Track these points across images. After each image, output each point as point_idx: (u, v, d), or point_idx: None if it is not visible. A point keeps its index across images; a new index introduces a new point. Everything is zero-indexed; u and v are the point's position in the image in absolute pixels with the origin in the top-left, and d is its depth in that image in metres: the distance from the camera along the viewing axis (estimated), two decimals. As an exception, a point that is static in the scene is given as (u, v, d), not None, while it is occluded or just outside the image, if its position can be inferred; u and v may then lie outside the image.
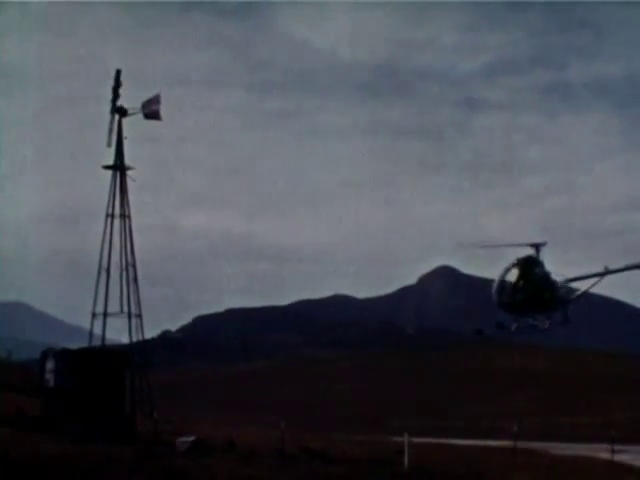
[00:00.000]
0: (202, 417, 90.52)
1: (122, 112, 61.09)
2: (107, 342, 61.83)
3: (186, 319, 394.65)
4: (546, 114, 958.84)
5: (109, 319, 59.93)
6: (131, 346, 59.66)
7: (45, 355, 42.99)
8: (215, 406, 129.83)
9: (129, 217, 61.25)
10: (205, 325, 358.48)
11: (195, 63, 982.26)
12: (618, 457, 48.75)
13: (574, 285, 45.71)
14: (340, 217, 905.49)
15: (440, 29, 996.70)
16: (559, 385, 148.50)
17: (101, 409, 41.10)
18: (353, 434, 77.45)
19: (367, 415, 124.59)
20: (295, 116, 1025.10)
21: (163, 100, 61.14)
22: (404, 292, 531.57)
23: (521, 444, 50.85)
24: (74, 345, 61.05)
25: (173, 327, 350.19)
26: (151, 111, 61.21)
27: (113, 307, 60.71)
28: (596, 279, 44.71)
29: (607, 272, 44.58)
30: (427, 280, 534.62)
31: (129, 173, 61.08)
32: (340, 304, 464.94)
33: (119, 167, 61.06)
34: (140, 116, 61.72)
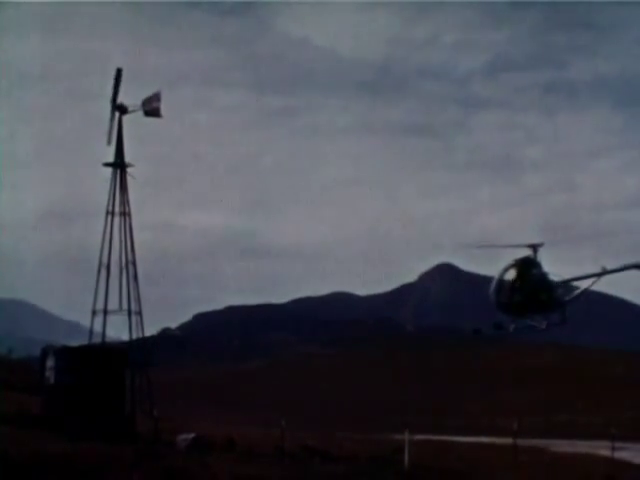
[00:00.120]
0: (202, 415, 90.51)
1: (122, 110, 61.03)
2: (107, 339, 61.82)
3: (186, 316, 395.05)
4: (546, 112, 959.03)
5: (109, 316, 59.92)
6: (131, 343, 59.65)
7: (45, 353, 42.99)
8: (215, 404, 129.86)
9: (129, 215, 61.23)
10: (205, 323, 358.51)
11: (195, 61, 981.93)
12: (618, 454, 48.76)
13: (573, 284, 45.74)
14: (340, 215, 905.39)
15: (440, 27, 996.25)
16: (559, 383, 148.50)
17: (101, 407, 41.09)
18: (353, 432, 77.45)
19: (367, 413, 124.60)
20: (295, 114, 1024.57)
21: (163, 98, 61.19)
22: (404, 290, 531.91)
23: (521, 442, 50.82)
24: (74, 342, 61.04)
25: (173, 324, 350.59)
26: (151, 109, 61.18)
27: (113, 304, 60.71)
28: (593, 279, 44.77)
29: (604, 272, 44.65)
30: (427, 278, 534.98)
31: (129, 171, 61.03)
32: (340, 302, 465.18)
33: (119, 165, 61.00)
34: (140, 114, 61.68)
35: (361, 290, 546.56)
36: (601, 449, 52.89)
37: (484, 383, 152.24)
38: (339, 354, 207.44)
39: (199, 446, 40.03)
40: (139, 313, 61.08)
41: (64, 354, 42.82)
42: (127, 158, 61.51)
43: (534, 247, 43.51)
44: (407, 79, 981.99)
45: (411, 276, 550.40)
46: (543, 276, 43.62)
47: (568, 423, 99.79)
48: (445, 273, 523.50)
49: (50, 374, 42.03)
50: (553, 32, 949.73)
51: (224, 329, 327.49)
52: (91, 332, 60.12)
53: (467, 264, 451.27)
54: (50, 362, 42.15)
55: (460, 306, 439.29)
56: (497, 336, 46.58)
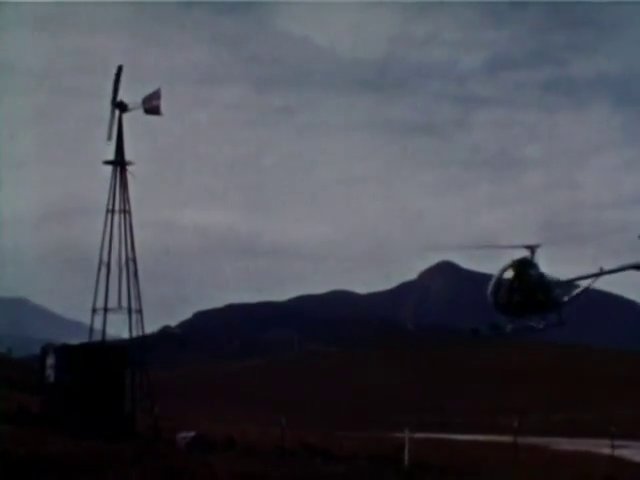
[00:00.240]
0: (202, 413, 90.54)
1: (122, 107, 60.89)
2: (107, 338, 61.73)
3: (186, 315, 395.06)
4: (546, 111, 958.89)
5: (109, 315, 59.80)
6: (131, 341, 59.55)
7: (45, 351, 42.96)
8: (215, 402, 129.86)
9: (129, 213, 61.10)
10: (205, 321, 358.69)
11: (196, 59, 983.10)
12: (618, 452, 48.76)
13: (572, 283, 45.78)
14: (340, 213, 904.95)
15: (440, 26, 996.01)
16: (560, 381, 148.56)
17: (101, 405, 41.07)
18: (353, 430, 77.46)
19: (367, 411, 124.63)
20: (295, 112, 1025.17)
21: (164, 96, 61.05)
22: (404, 288, 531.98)
23: (522, 440, 50.82)
24: (74, 341, 60.97)
25: (173, 323, 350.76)
26: (151, 106, 60.97)
27: (113, 303, 60.59)
28: (591, 280, 44.82)
29: (602, 273, 44.71)
30: (427, 276, 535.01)
31: (129, 169, 60.90)
32: (340, 300, 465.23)
33: (119, 162, 60.87)
34: (140, 112, 61.56)
35: (361, 288, 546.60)
36: (601, 447, 52.90)
37: (484, 381, 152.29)
38: (339, 352, 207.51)
39: (199, 444, 40.00)
40: (139, 311, 60.95)
41: (64, 352, 42.80)
42: (127, 156, 61.40)
43: (531, 248, 43.59)
44: (407, 78, 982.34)
45: (411, 274, 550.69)
46: (540, 277, 43.68)
47: (568, 421, 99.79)
48: (445, 271, 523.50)
49: (50, 373, 42.01)
50: (553, 30, 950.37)
51: (224, 327, 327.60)
52: (91, 330, 60.00)
53: (467, 262, 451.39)
54: (50, 360, 42.14)
55: (460, 304, 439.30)
56: (496, 335, 46.49)
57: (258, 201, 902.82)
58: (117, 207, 60.90)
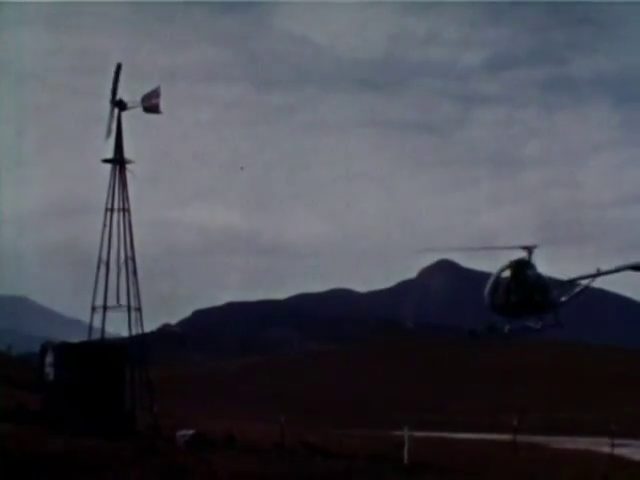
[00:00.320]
0: (201, 411, 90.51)
1: (122, 106, 60.89)
2: (107, 336, 61.79)
3: (186, 313, 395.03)
4: (546, 109, 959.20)
5: (108, 313, 59.85)
6: (131, 339, 59.57)
7: (45, 349, 42.91)
8: (214, 400, 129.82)
9: (129, 211, 61.11)
10: (204, 319, 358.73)
11: (195, 58, 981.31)
12: (618, 451, 48.75)
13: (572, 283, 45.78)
14: (340, 212, 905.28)
15: (440, 24, 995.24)
16: (560, 380, 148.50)
17: (101, 403, 41.04)
18: (353, 429, 77.43)
19: (367, 410, 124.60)
20: (295, 111, 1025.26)
21: (163, 94, 61.06)
22: (404, 286, 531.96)
23: (521, 438, 50.83)
24: (74, 339, 60.97)
25: (173, 321, 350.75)
26: (151, 105, 61.02)
27: (113, 301, 60.61)
28: (588, 281, 44.81)
29: (599, 274, 44.72)
30: (427, 274, 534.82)
31: (128, 167, 60.90)
32: (340, 298, 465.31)
33: (118, 161, 60.87)
34: (140, 110, 61.55)
35: (361, 287, 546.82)
36: (601, 446, 52.87)
37: (484, 380, 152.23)
38: (339, 351, 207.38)
39: (199, 442, 39.97)
40: (138, 309, 61.04)
41: (63, 350, 42.76)
42: (126, 154, 61.42)
43: (529, 249, 43.58)
44: (407, 76, 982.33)
45: (411, 273, 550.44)
46: (538, 278, 43.68)
47: (568, 420, 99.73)
48: (445, 269, 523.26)
49: (49, 370, 41.97)
50: (553, 29, 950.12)
51: (224, 326, 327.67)
52: (90, 328, 60.05)
53: (467, 261, 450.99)
54: (49, 358, 42.09)
55: (460, 303, 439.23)
56: (494, 336, 46.45)
57: (258, 200, 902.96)
58: (116, 205, 60.94)
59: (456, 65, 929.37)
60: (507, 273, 42.97)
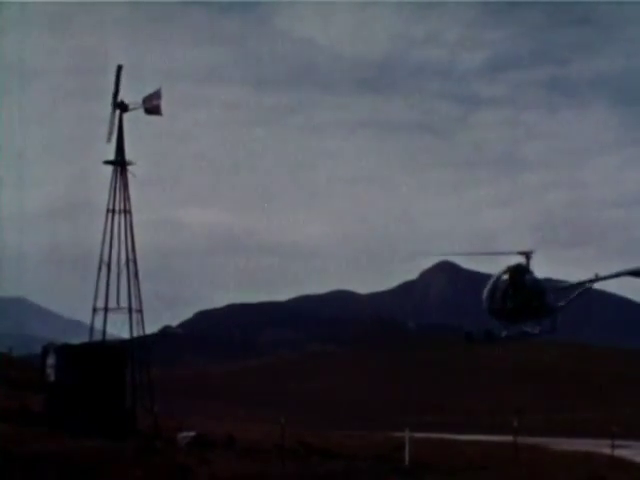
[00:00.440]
0: (202, 412, 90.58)
1: (123, 107, 60.91)
2: (108, 337, 61.81)
3: (187, 314, 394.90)
4: (547, 110, 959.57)
5: (109, 314, 59.86)
6: (132, 341, 59.61)
7: (46, 350, 43.02)
8: (215, 402, 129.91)
9: (130, 212, 61.14)
10: (206, 320, 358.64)
11: (196, 59, 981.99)
12: (618, 452, 48.77)
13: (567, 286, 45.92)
14: (341, 212, 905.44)
15: (441, 25, 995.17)
16: (560, 380, 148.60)
17: (102, 404, 41.15)
18: (354, 430, 77.48)
19: (368, 411, 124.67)
20: (296, 112, 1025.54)
21: (164, 95, 61.09)
22: (405, 288, 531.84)
23: (522, 439, 50.83)
24: (75, 340, 61.02)
25: (174, 322, 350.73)
26: (152, 106, 60.99)
27: (114, 302, 60.64)
28: (586, 286, 44.91)
29: (597, 279, 44.86)
30: (428, 275, 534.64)
31: (130, 168, 60.92)
32: (341, 300, 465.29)
33: (120, 162, 60.88)
34: (141, 111, 61.58)
35: (362, 288, 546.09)
36: (601, 447, 52.89)
37: (484, 381, 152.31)
38: (340, 352, 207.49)
39: (199, 443, 40.09)
40: (140, 311, 61.03)
41: (65, 352, 42.89)
42: (128, 156, 61.45)
43: (526, 254, 43.71)
44: (407, 77, 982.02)
45: (412, 274, 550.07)
46: (535, 283, 43.81)
47: (569, 421, 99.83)
48: (446, 271, 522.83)
49: (51, 372, 42.09)
50: (554, 30, 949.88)
51: (225, 327, 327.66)
52: (91, 330, 60.08)
53: (468, 262, 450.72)
54: (51, 360, 42.21)
55: (461, 304, 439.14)
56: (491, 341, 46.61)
57: (258, 201, 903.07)
58: (118, 207, 60.95)
59: (457, 66, 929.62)
60: (504, 278, 43.12)
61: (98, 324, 59.83)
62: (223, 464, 33.42)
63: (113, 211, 60.69)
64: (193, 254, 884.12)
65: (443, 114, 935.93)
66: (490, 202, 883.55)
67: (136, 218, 61.70)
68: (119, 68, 60.42)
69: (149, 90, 61.70)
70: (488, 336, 45.02)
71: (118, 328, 60.32)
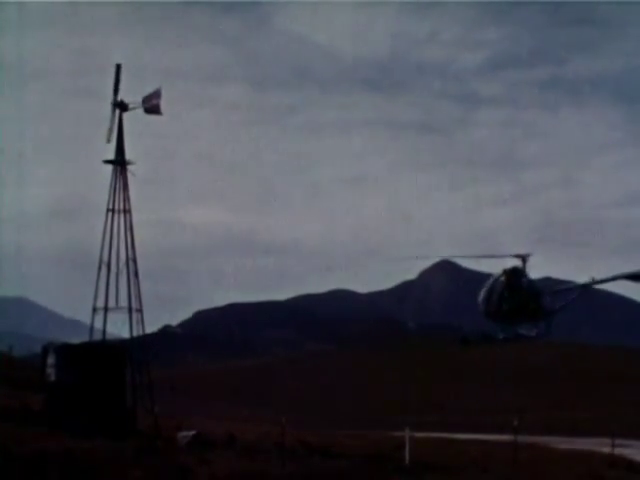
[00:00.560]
0: (202, 412, 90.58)
1: (122, 107, 60.91)
2: (107, 337, 61.82)
3: (186, 314, 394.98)
4: (546, 109, 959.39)
5: (109, 314, 59.86)
6: (132, 341, 59.63)
7: (46, 350, 43.03)
8: (215, 401, 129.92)
9: (130, 212, 61.15)
10: (205, 320, 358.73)
11: (196, 59, 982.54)
12: (619, 451, 48.81)
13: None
14: (340, 212, 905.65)
15: (441, 24, 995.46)
16: (560, 379, 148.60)
17: (102, 404, 41.15)
18: (354, 429, 77.53)
19: (368, 410, 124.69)
20: (296, 111, 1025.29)
21: (164, 95, 61.09)
22: (405, 287, 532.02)
23: (522, 438, 50.84)
24: (74, 340, 61.04)
25: (174, 322, 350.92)
26: (151, 106, 60.98)
27: (114, 302, 60.65)
28: (582, 290, 44.99)
29: (593, 282, 44.96)
30: (428, 275, 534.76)
31: (129, 168, 60.94)
32: (341, 299, 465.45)
33: (120, 162, 60.91)
34: (141, 111, 61.61)
35: (362, 288, 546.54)
36: (601, 446, 52.93)
37: (484, 381, 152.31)
38: (339, 351, 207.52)
39: (199, 443, 40.08)
40: (140, 311, 61.03)
41: (65, 352, 42.89)
42: (128, 155, 61.47)
43: (523, 257, 43.82)
44: (407, 77, 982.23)
45: (412, 273, 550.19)
46: (531, 286, 43.90)
47: (569, 420, 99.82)
48: (446, 270, 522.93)
49: (51, 371, 42.09)
50: (553, 29, 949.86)
51: (224, 326, 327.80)
52: (91, 329, 60.09)
53: (468, 261, 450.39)
54: (51, 359, 42.21)
55: (461, 303, 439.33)
56: (487, 343, 46.73)
57: (258, 200, 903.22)
58: (117, 206, 60.96)
59: (457, 65, 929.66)
60: (500, 281, 43.29)
61: (98, 324, 59.83)
62: (223, 464, 33.41)
63: (113, 211, 60.69)
64: (193, 254, 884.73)
65: (443, 113, 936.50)
66: (490, 201, 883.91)
67: (136, 218, 61.68)
68: (118, 67, 60.43)
69: (149, 90, 61.74)
70: (484, 339, 45.18)
71: (118, 328, 60.32)
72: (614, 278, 44.55)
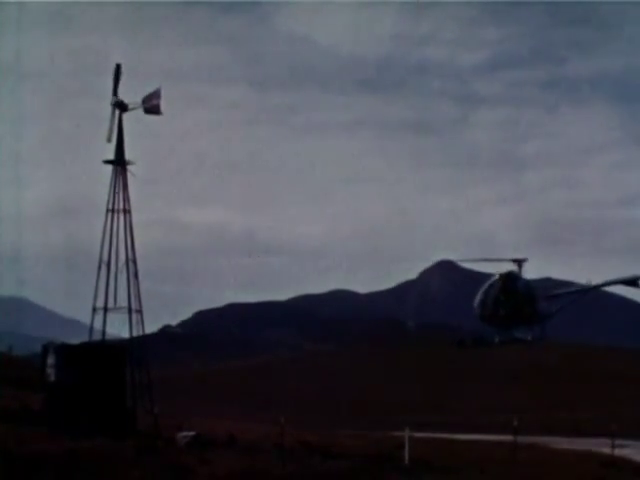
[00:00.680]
0: (202, 412, 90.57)
1: (122, 107, 60.99)
2: (107, 337, 61.84)
3: (186, 314, 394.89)
4: (546, 109, 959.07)
5: (109, 314, 59.90)
6: (131, 341, 59.64)
7: (46, 350, 43.05)
8: (215, 402, 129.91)
9: (130, 212, 61.22)
10: (205, 320, 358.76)
11: (196, 58, 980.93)
12: (619, 451, 48.81)
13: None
14: (340, 212, 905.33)
15: (440, 24, 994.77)
16: (560, 379, 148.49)
17: (102, 404, 41.16)
18: (353, 429, 77.53)
19: (367, 410, 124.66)
20: (295, 111, 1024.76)
21: (164, 95, 61.16)
22: (404, 287, 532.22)
23: (522, 439, 50.85)
24: (74, 340, 61.05)
25: (173, 322, 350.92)
26: (151, 106, 61.08)
27: (113, 302, 60.67)
28: (578, 294, 45.04)
29: (590, 287, 45.02)
30: (428, 275, 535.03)
31: (129, 168, 61.00)
32: (341, 299, 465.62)
33: (120, 162, 60.97)
34: (141, 111, 61.66)
35: (361, 288, 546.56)
36: (601, 446, 52.94)
37: (484, 381, 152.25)
38: (339, 352, 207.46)
39: (199, 443, 40.10)
40: (139, 311, 61.08)
41: (65, 352, 42.91)
42: (127, 155, 61.52)
43: (519, 262, 43.87)
44: (407, 76, 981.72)
45: (412, 273, 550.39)
46: (526, 290, 43.96)
47: (568, 420, 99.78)
48: (446, 270, 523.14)
49: (51, 371, 42.11)
50: (553, 28, 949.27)
51: (224, 326, 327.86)
52: (91, 330, 60.12)
53: (468, 261, 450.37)
54: (51, 359, 42.23)
55: (461, 303, 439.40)
56: (483, 347, 46.88)
57: (258, 200, 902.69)
58: (117, 206, 61.01)
59: (456, 65, 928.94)
60: (496, 285, 43.35)
61: (98, 324, 59.88)
62: (223, 463, 33.42)
63: (113, 211, 60.74)
64: (193, 254, 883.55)
65: (442, 113, 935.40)
66: (489, 201, 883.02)
67: (136, 218, 61.75)
68: (118, 67, 60.51)
69: (149, 90, 61.80)
70: (480, 342, 45.23)
71: (118, 328, 60.37)
72: (611, 282, 44.65)
